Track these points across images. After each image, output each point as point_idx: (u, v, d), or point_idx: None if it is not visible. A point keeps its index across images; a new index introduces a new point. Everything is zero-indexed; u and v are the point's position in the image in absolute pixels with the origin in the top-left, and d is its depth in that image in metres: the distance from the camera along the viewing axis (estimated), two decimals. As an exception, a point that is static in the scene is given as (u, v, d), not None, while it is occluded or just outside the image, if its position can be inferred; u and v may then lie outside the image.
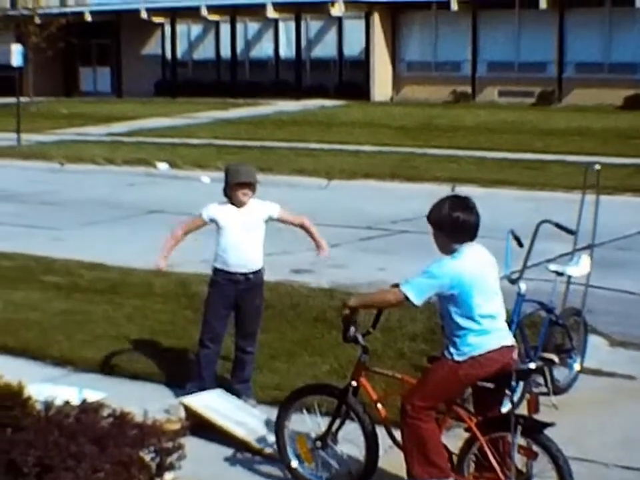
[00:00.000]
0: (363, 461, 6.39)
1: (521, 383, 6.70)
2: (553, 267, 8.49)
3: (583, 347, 8.63)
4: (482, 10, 41.86)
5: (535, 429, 5.75)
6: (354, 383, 6.38)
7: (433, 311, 8.78)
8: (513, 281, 7.86)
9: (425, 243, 6.88)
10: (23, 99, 33.09)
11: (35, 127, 32.04)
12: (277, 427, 6.68)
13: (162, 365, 8.89)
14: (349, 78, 45.40)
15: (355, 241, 15.01)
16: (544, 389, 7.49)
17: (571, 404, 7.90)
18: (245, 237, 7.87)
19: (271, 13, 44.98)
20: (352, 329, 6.23)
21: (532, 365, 6.13)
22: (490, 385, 5.92)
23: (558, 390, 8.02)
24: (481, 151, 24.69)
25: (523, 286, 7.85)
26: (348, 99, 42.48)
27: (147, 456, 5.28)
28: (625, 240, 14.57)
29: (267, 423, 7.24)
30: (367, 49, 44.31)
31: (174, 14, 48.95)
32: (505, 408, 6.16)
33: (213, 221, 7.92)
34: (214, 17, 47.58)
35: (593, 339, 9.15)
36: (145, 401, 7.31)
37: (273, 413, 7.09)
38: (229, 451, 7.16)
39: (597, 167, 9.02)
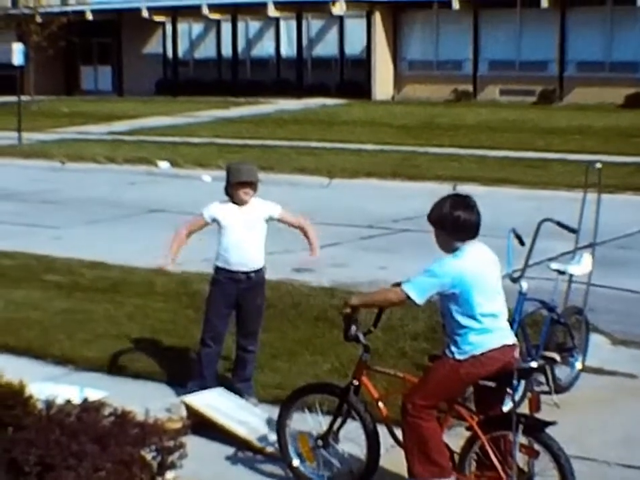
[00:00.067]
0: (364, 460, 6.39)
1: (523, 382, 6.70)
2: (554, 265, 8.48)
3: (584, 346, 8.62)
4: (483, 9, 41.85)
5: (536, 428, 5.75)
6: (355, 382, 6.37)
7: (434, 309, 8.77)
8: (515, 280, 7.86)
9: (427, 241, 6.87)
10: (24, 98, 33.10)
11: (36, 126, 32.05)
12: (279, 425, 6.68)
13: (163, 364, 8.88)
14: (351, 77, 45.41)
15: (356, 239, 15.01)
16: (545, 388, 7.48)
17: (573, 403, 7.90)
18: (246, 235, 7.87)
19: (272, 12, 44.98)
20: (353, 327, 6.23)
21: (533, 364, 6.13)
22: (491, 384, 5.92)
23: (559, 389, 8.01)
24: (482, 150, 24.70)
25: (524, 284, 7.85)
26: (349, 97, 42.48)
27: (148, 455, 5.28)
28: (627, 238, 14.56)
29: (269, 421, 7.24)
30: (369, 48, 44.29)
31: (175, 13, 48.96)
32: (507, 407, 6.16)
33: (214, 220, 7.92)
34: (215, 16, 47.57)
35: (594, 338, 9.15)
36: (147, 400, 7.32)
37: (274, 412, 7.09)
38: (230, 450, 7.15)
39: (598, 165, 9.02)
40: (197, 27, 50.74)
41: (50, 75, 50.35)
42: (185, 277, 11.72)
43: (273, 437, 6.93)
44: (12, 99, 34.88)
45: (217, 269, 8.00)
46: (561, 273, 8.39)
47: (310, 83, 45.69)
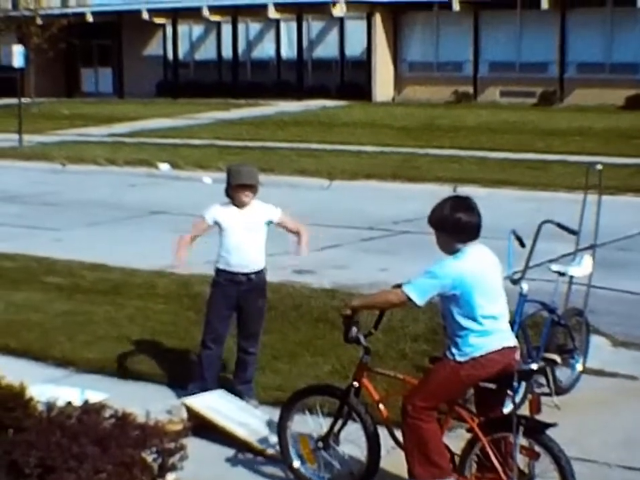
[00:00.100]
0: (364, 462, 6.39)
1: (523, 384, 6.70)
2: (555, 267, 8.49)
3: (585, 347, 8.62)
4: (483, 10, 41.86)
5: (537, 430, 5.75)
6: (356, 384, 6.38)
7: (434, 311, 8.78)
8: (515, 281, 7.86)
9: (427, 243, 6.87)
10: (24, 100, 33.09)
11: (37, 128, 32.05)
12: (280, 427, 6.68)
13: (164, 366, 8.89)
14: (351, 78, 45.41)
15: (356, 241, 15.01)
16: (546, 390, 7.48)
17: (573, 404, 7.89)
18: (247, 237, 7.87)
19: (272, 14, 44.97)
20: (354, 329, 6.23)
21: (534, 366, 6.13)
22: (492, 386, 5.92)
23: (560, 390, 8.01)
24: (482, 151, 24.70)
25: (525, 286, 7.85)
26: (349, 99, 42.49)
27: (149, 457, 5.28)
28: (627, 240, 14.56)
29: (269, 423, 7.24)
30: (369, 50, 44.31)
31: (175, 14, 48.97)
32: (507, 408, 6.16)
33: (216, 223, 7.92)
34: (215, 18, 47.58)
35: (595, 339, 9.15)
36: (147, 402, 7.32)
37: (274, 414, 7.09)
38: (230, 452, 7.16)
39: (599, 167, 9.02)
40: (198, 29, 50.75)
41: (50, 77, 50.37)
42: (186, 279, 11.72)
43: (273, 439, 6.93)
44: (12, 101, 34.89)
45: (218, 271, 8.00)
46: (562, 274, 8.39)
47: (310, 84, 45.70)
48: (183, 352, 9.16)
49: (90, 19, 49.84)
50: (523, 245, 7.99)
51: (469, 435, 6.03)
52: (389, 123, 33.04)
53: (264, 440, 7.09)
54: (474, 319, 5.88)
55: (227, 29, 48.42)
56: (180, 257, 7.97)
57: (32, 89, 44.23)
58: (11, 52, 31.01)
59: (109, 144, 28.92)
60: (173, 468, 5.35)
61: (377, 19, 43.71)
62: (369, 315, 6.87)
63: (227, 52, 48.56)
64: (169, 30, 50.31)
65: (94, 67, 53.61)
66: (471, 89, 42.47)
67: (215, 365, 8.09)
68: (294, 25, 46.07)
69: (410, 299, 5.89)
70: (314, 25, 46.93)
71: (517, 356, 6.04)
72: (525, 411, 5.92)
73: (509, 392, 6.01)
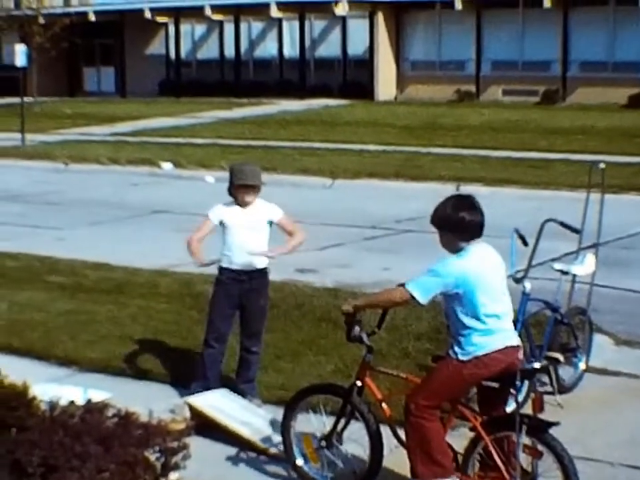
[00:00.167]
0: (367, 461, 6.39)
1: (526, 382, 6.69)
2: (557, 265, 8.48)
3: (588, 346, 8.62)
4: (486, 9, 41.83)
5: (540, 428, 5.75)
6: (359, 383, 6.38)
7: (438, 310, 8.79)
8: (518, 280, 7.86)
9: (430, 242, 6.87)
10: (26, 99, 33.10)
11: (39, 127, 32.05)
12: (283, 427, 6.68)
13: (167, 365, 8.89)
14: (353, 77, 45.38)
15: (359, 240, 15.00)
16: (549, 388, 7.48)
17: (576, 403, 7.89)
18: (249, 236, 7.87)
19: (274, 13, 44.96)
20: (356, 328, 6.24)
21: (536, 365, 6.13)
22: (494, 385, 5.92)
23: (563, 389, 8.01)
24: (485, 150, 24.68)
25: (527, 285, 7.85)
26: (352, 98, 42.47)
27: (151, 456, 5.28)
28: (630, 239, 14.55)
29: (272, 422, 7.24)
30: (371, 49, 44.28)
31: (178, 14, 48.95)
32: (510, 407, 6.16)
33: (220, 222, 7.92)
34: (218, 17, 47.56)
35: (598, 338, 9.14)
36: (150, 401, 7.31)
37: (278, 413, 7.09)
38: (233, 451, 7.16)
39: (602, 165, 9.01)
40: (200, 28, 50.72)
41: (53, 76, 50.38)
42: (189, 278, 11.72)
43: (276, 438, 6.93)
44: (15, 100, 34.87)
45: (221, 269, 8.01)
46: (565, 273, 8.38)
47: (313, 83, 45.68)
48: (186, 351, 9.16)
49: (92, 18, 49.83)
50: (525, 243, 7.99)
51: (471, 434, 6.02)
52: (391, 121, 33.02)
53: (267, 439, 7.09)
54: (477, 318, 5.88)
55: (229, 28, 48.40)
56: (200, 258, 7.91)
57: (34, 88, 44.26)
58: (14, 51, 31.06)
59: (112, 143, 28.93)
60: (176, 467, 5.35)
61: (380, 17, 43.68)
62: (372, 313, 6.87)
63: (230, 51, 48.55)
64: (172, 29, 50.28)
65: (96, 66, 53.61)
66: (473, 88, 42.43)
67: (218, 363, 8.09)
68: (296, 23, 46.04)
69: (413, 298, 5.89)
70: (316, 24, 46.91)
71: (520, 355, 6.04)
72: (527, 409, 5.92)
73: (511, 391, 6.00)
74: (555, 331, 8.20)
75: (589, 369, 8.52)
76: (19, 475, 4.98)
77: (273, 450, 7.01)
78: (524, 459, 5.82)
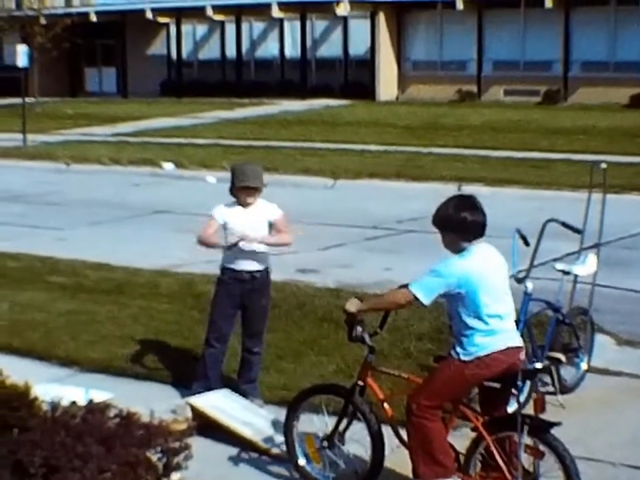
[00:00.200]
0: (369, 461, 6.39)
1: (528, 383, 6.69)
2: (559, 265, 8.48)
3: (589, 346, 8.61)
4: (487, 9, 41.82)
5: (541, 429, 5.74)
6: (360, 383, 6.38)
7: (440, 310, 8.79)
8: (520, 280, 7.86)
9: (431, 242, 6.87)
10: (28, 100, 33.11)
11: (41, 128, 32.06)
12: (286, 427, 6.68)
13: (168, 365, 8.89)
14: (355, 77, 45.38)
15: (360, 240, 15.00)
16: (551, 389, 7.48)
17: (578, 403, 7.89)
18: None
19: (276, 13, 44.96)
20: (358, 328, 6.24)
21: (538, 365, 6.13)
22: (496, 385, 5.91)
23: (565, 389, 8.01)
24: (486, 150, 24.67)
25: (529, 285, 7.85)
26: (353, 98, 42.47)
27: (153, 456, 5.28)
28: (632, 239, 14.54)
29: (274, 423, 7.24)
30: (373, 49, 44.27)
31: (179, 14, 48.97)
32: (512, 407, 6.15)
33: (224, 223, 7.92)
34: (219, 17, 47.57)
35: (599, 338, 9.13)
36: (152, 401, 7.30)
37: (279, 413, 7.09)
38: (235, 451, 7.15)
39: (603, 165, 9.01)
40: (201, 28, 50.73)
41: (54, 76, 50.39)
42: (190, 278, 11.73)
43: (278, 438, 6.93)
44: (16, 100, 34.86)
45: (223, 269, 8.01)
46: (566, 273, 8.38)
47: (314, 83, 45.68)
48: (187, 351, 9.15)
49: (94, 18, 49.84)
50: (527, 243, 7.98)
51: (473, 434, 6.02)
52: (392, 122, 33.02)
53: (268, 439, 7.09)
54: (480, 318, 5.88)
55: (230, 28, 48.42)
56: (222, 242, 7.89)
57: (36, 88, 44.25)
58: (15, 51, 31.06)
59: (113, 143, 28.93)
60: (178, 467, 5.35)
61: (381, 17, 43.68)
62: (374, 314, 6.86)
63: (231, 51, 48.57)
64: (173, 29, 50.30)
65: (98, 66, 53.62)
66: (474, 88, 42.42)
67: (219, 363, 8.09)
68: (298, 24, 46.05)
69: (416, 298, 5.89)
70: (318, 24, 46.92)
71: (522, 356, 6.03)
72: (529, 410, 5.92)
73: (513, 391, 6.00)
74: (557, 331, 8.19)
75: (590, 369, 8.52)
76: (20, 476, 4.98)
77: (274, 450, 7.01)
78: (525, 459, 5.82)
